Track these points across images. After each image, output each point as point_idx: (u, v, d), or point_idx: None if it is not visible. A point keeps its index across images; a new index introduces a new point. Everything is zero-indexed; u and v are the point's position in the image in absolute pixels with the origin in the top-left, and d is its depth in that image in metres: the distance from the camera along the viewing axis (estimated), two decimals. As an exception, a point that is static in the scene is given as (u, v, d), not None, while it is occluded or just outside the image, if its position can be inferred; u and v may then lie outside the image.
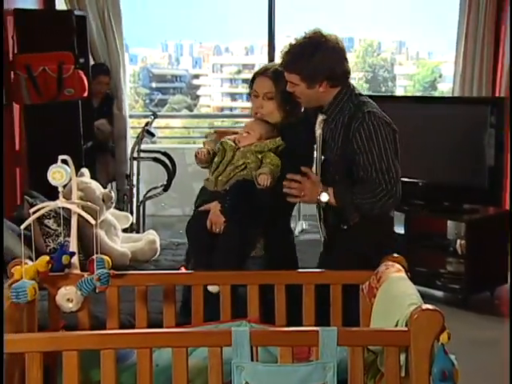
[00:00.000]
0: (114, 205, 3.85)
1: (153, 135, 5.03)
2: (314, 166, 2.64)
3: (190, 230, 2.58)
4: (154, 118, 5.09)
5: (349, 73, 2.53)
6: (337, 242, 2.61)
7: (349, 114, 2.47)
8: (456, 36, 4.98)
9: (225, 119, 7.63)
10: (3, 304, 1.79)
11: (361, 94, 2.56)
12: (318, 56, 2.40)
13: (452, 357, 1.74)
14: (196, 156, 2.61)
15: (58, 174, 2.09)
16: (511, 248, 4.42)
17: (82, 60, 4.75)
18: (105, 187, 3.97)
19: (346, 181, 2.48)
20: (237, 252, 2.47)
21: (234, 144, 2.55)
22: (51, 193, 2.31)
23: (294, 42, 2.47)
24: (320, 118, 2.58)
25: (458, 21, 4.96)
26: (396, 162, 2.45)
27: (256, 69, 2.80)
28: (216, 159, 2.55)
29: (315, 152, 2.66)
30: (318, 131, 2.59)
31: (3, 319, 1.76)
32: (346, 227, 2.54)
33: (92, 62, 5.13)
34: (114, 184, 5.36)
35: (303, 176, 2.47)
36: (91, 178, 3.92)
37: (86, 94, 4.59)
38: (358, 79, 6.85)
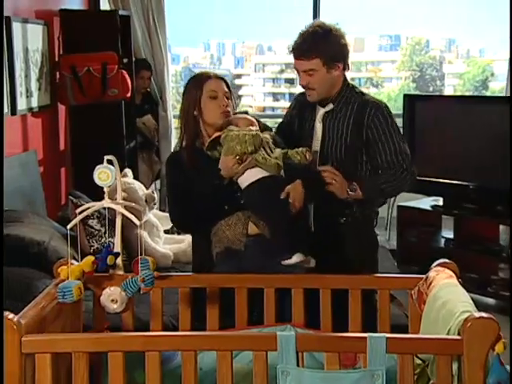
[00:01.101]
0: (156, 205, 3.86)
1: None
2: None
3: (279, 214, 2.41)
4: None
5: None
6: (334, 238, 2.63)
7: (358, 103, 2.59)
8: (510, 32, 4.80)
9: (267, 119, 7.59)
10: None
11: (353, 85, 2.70)
12: (333, 39, 2.55)
13: (508, 367, 1.67)
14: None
15: (104, 174, 2.08)
16: None
17: (125, 60, 4.78)
18: (147, 187, 3.98)
19: (370, 171, 2.60)
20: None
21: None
22: (94, 192, 2.32)
23: (303, 32, 2.59)
24: (322, 111, 2.65)
25: (511, 15, 4.79)
26: (405, 141, 2.62)
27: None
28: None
29: (313, 145, 2.67)
30: (319, 125, 2.65)
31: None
32: (343, 221, 2.63)
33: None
34: (156, 184, 5.39)
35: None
36: (133, 178, 3.94)
37: (129, 95, 4.61)
38: (404, 78, 6.71)
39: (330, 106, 2.64)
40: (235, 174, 2.42)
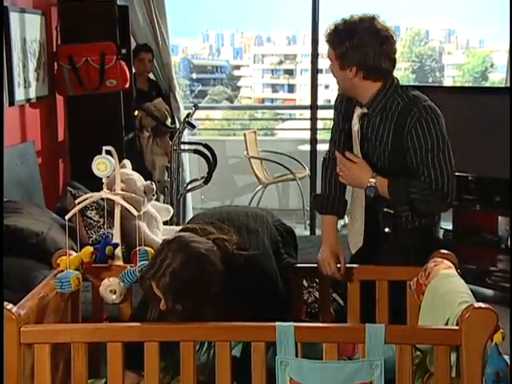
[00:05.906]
0: (155, 197, 3.84)
1: (194, 127, 5.01)
2: None
3: None
4: (195, 109, 5.06)
5: (393, 67, 2.32)
6: (379, 248, 2.38)
7: (399, 110, 2.28)
8: (510, 22, 4.76)
9: (265, 111, 7.56)
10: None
11: (406, 87, 2.37)
12: (347, 35, 2.21)
13: (506, 357, 1.68)
14: None
15: (103, 165, 2.08)
16: None
17: (123, 51, 4.76)
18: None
19: (401, 175, 2.28)
20: None
21: None
22: (92, 183, 2.31)
23: (345, 19, 2.27)
24: (359, 111, 2.38)
25: (511, 6, 4.74)
26: (452, 161, 2.26)
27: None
28: None
29: (354, 147, 2.40)
30: (356, 126, 2.38)
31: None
32: (388, 231, 2.34)
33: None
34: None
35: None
36: (133, 169, 3.92)
37: (127, 86, 4.59)
38: (404, 69, 6.70)
39: (365, 110, 2.34)
40: None
